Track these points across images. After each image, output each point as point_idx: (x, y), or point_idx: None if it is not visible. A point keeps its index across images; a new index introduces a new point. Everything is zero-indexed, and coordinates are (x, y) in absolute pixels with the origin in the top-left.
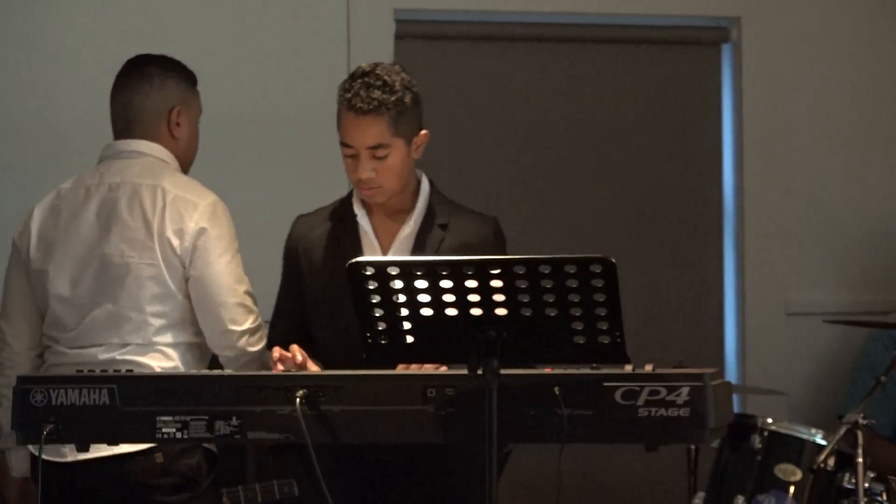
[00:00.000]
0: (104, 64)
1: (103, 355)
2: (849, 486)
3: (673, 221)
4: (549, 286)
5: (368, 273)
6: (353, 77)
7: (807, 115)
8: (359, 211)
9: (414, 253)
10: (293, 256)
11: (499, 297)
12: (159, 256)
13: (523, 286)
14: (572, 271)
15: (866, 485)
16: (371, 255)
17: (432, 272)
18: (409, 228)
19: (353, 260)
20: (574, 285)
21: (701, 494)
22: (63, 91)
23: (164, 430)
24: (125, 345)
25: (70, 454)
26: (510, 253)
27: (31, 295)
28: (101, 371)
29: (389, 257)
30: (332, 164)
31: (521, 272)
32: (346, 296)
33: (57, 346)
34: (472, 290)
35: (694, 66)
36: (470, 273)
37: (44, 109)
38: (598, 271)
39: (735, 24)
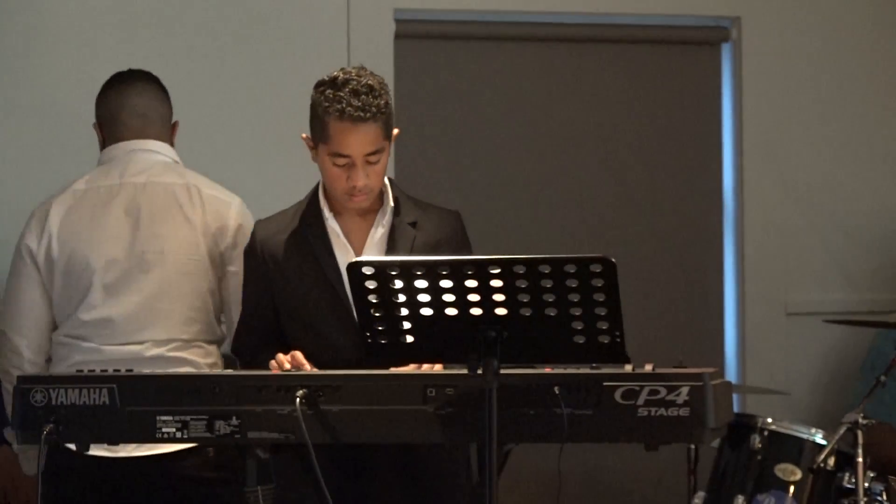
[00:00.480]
0: (104, 58)
1: (150, 351)
2: (849, 486)
3: (673, 221)
4: (548, 286)
5: (368, 273)
6: (333, 86)
7: (807, 114)
8: (327, 213)
9: (388, 253)
10: (258, 262)
11: (499, 297)
12: (204, 252)
13: (523, 286)
14: (572, 271)
15: (866, 484)
16: (343, 256)
17: (432, 272)
18: (383, 229)
19: (353, 260)
20: (574, 285)
21: (701, 494)
22: (63, 86)
23: (164, 429)
24: (170, 340)
25: (122, 449)
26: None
27: (44, 302)
28: (101, 371)
29: (389, 257)
30: None
31: (520, 272)
32: (323, 300)
33: (86, 344)
34: (472, 290)
35: (694, 66)
36: (470, 273)
37: (43, 103)
38: (597, 271)
39: (735, 24)
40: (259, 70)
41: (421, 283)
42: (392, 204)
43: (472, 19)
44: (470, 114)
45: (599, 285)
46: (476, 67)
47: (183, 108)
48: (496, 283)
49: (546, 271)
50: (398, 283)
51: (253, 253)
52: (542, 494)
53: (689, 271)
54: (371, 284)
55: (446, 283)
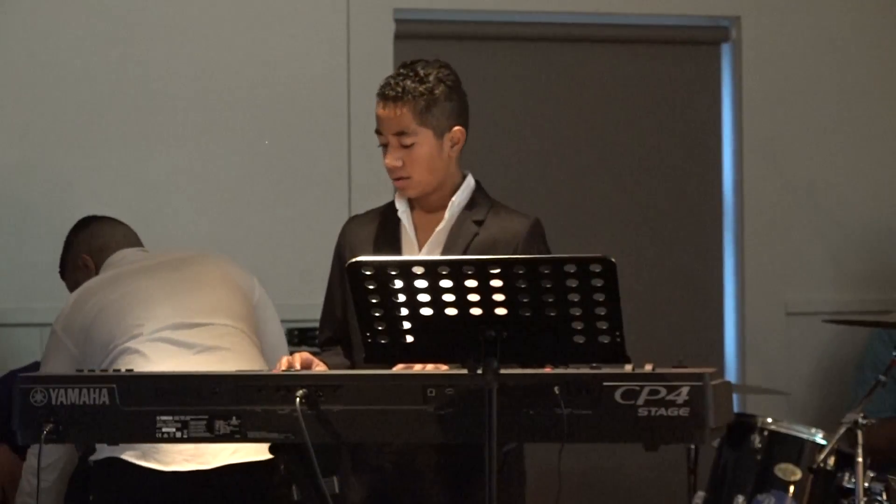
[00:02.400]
0: (108, 55)
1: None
2: (849, 486)
3: (673, 221)
4: (548, 286)
5: (368, 273)
6: (396, 70)
7: (806, 114)
8: (400, 207)
9: (445, 248)
10: (340, 256)
11: (498, 297)
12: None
13: (523, 286)
14: (572, 271)
15: (866, 484)
16: (408, 250)
17: (432, 272)
18: (444, 223)
19: (352, 260)
20: (574, 285)
21: (701, 494)
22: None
23: (163, 429)
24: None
25: (193, 461)
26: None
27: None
28: (101, 371)
29: (389, 257)
30: (332, 164)
31: (520, 272)
32: None
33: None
34: (472, 290)
35: (694, 66)
36: (470, 273)
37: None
38: (597, 271)
39: (735, 24)
40: (259, 70)
41: (421, 283)
42: (462, 201)
43: (472, 19)
44: (469, 113)
45: (599, 285)
46: (476, 67)
47: (182, 108)
48: (496, 283)
49: (546, 271)
50: (398, 283)
51: (338, 246)
52: (542, 494)
53: (689, 271)
54: (371, 284)
55: (446, 283)
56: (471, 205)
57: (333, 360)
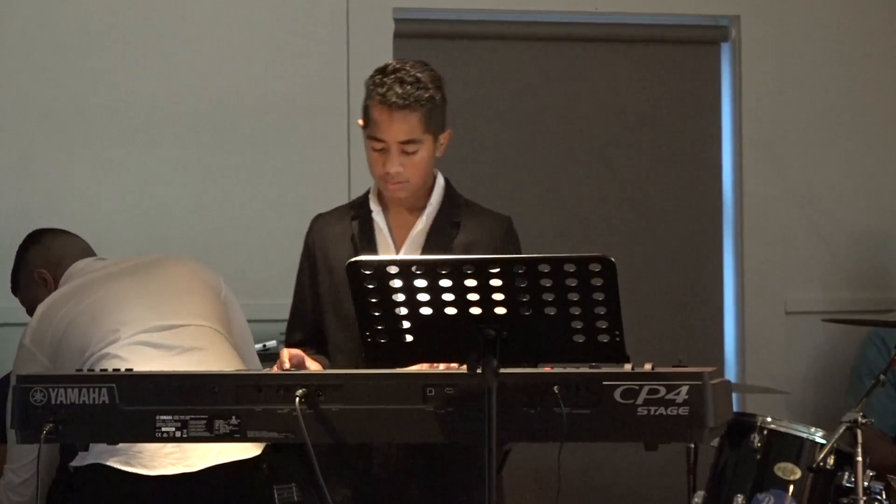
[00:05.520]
0: (108, 55)
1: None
2: (848, 485)
3: (672, 220)
4: (548, 285)
5: (367, 272)
6: (382, 73)
7: (806, 113)
8: (375, 207)
9: (425, 249)
10: (309, 255)
11: (498, 297)
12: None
13: (522, 285)
14: (572, 270)
15: (866, 483)
16: (384, 251)
17: (431, 271)
18: (422, 224)
19: (352, 259)
20: (573, 284)
21: (700, 493)
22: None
23: (163, 429)
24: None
25: (179, 464)
26: (525, 251)
27: None
28: (101, 370)
29: (388, 256)
30: (331, 163)
31: (520, 271)
32: None
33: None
34: (472, 290)
35: (693, 65)
36: (469, 272)
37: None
38: (597, 270)
39: (734, 23)
40: (258, 69)
41: (420, 283)
42: (438, 202)
43: (472, 19)
44: (469, 113)
45: (599, 284)
46: (475, 67)
47: (182, 108)
48: (496, 282)
49: (545, 270)
50: (397, 283)
51: (306, 245)
52: (541, 494)
53: (689, 271)
54: (370, 284)
55: (445, 283)
56: (445, 206)
57: (320, 360)
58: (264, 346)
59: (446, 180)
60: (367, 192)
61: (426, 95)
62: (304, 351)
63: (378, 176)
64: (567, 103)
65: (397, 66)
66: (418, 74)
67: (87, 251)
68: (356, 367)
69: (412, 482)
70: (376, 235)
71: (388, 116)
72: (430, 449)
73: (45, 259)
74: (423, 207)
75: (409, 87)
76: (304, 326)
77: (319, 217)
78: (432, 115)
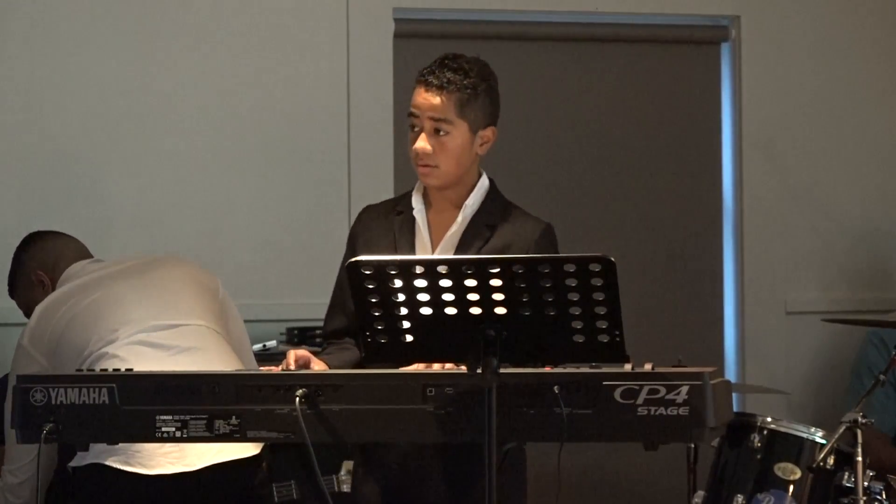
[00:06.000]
0: (106, 63)
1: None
2: (848, 485)
3: (672, 220)
4: (548, 285)
5: (367, 272)
6: (435, 60)
7: (806, 113)
8: (416, 205)
9: (458, 250)
10: (353, 245)
11: (498, 296)
12: None
13: (522, 285)
14: (572, 270)
15: (866, 483)
16: (421, 250)
17: (431, 271)
18: (457, 226)
19: (352, 259)
20: (573, 284)
21: (700, 493)
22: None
23: (163, 429)
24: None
25: (178, 463)
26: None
27: None
28: (101, 370)
29: (389, 256)
30: (331, 163)
31: (520, 271)
32: None
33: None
34: (472, 290)
35: (693, 65)
36: (469, 272)
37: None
38: (597, 270)
39: (734, 23)
40: (258, 69)
41: (420, 283)
42: (477, 202)
43: (472, 19)
44: None
45: (599, 284)
46: None
47: (182, 108)
48: (496, 282)
49: (545, 270)
50: (398, 283)
51: (351, 235)
52: (541, 494)
53: (689, 271)
54: (371, 284)
55: (446, 283)
56: (484, 207)
57: (342, 357)
58: (264, 346)
59: (491, 181)
60: (413, 188)
61: (466, 81)
62: (339, 343)
63: (412, 158)
64: (567, 103)
65: (451, 55)
66: (466, 65)
67: (83, 253)
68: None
69: (431, 479)
70: (416, 233)
71: (423, 93)
72: (447, 446)
73: (42, 261)
74: (462, 209)
75: (449, 73)
76: (344, 316)
77: (368, 208)
78: (469, 103)
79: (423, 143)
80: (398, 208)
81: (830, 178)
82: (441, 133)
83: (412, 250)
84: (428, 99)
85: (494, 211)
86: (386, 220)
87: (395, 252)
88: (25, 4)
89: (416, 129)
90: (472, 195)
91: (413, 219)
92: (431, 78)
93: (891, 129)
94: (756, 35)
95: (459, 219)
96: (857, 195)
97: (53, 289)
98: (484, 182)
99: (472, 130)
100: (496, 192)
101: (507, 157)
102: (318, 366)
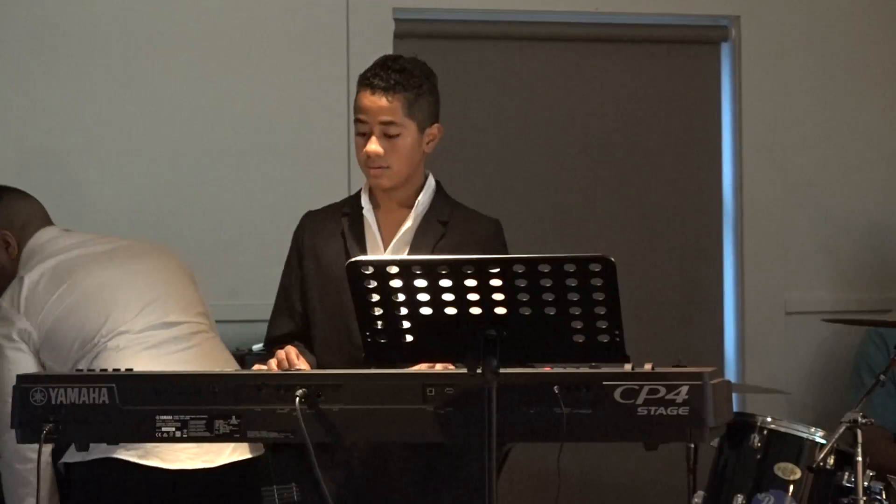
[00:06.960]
0: (108, 64)
1: None
2: (848, 485)
3: (672, 220)
4: (548, 285)
5: (367, 272)
6: (375, 63)
7: (806, 113)
8: (366, 205)
9: (412, 248)
10: (298, 251)
11: (498, 297)
12: None
13: (522, 285)
14: (572, 270)
15: (866, 483)
16: (372, 248)
17: (431, 271)
18: (410, 222)
19: (353, 259)
20: (573, 284)
21: (700, 493)
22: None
23: (163, 429)
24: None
25: (197, 458)
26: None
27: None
28: (101, 370)
29: (388, 256)
30: (331, 163)
31: (520, 271)
32: (347, 289)
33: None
34: (472, 290)
35: (693, 65)
36: (469, 272)
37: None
38: (597, 270)
39: (734, 23)
40: (258, 69)
41: (420, 283)
42: (427, 201)
43: (472, 19)
44: (469, 113)
45: (599, 284)
46: (475, 67)
47: (182, 107)
48: (496, 282)
49: (545, 271)
50: (397, 283)
51: (295, 240)
52: (541, 494)
53: (689, 271)
54: (371, 284)
55: (446, 283)
56: (434, 205)
57: (308, 358)
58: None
59: (437, 182)
60: (360, 191)
61: (410, 82)
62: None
63: (361, 161)
64: (567, 103)
65: (390, 56)
66: (407, 65)
67: (47, 218)
68: (341, 362)
69: (394, 478)
70: (366, 232)
71: (369, 97)
72: (411, 445)
73: (9, 221)
74: (413, 206)
75: (393, 73)
76: (291, 319)
77: (310, 213)
78: (416, 103)
79: (374, 147)
80: (344, 210)
81: (830, 177)
82: (392, 135)
83: (364, 250)
84: (375, 101)
85: (444, 208)
86: (332, 223)
87: (346, 253)
88: (23, 6)
89: (363, 133)
90: (422, 193)
91: (361, 219)
92: (377, 80)
93: (891, 128)
94: (756, 35)
95: (412, 217)
96: (857, 195)
97: (19, 251)
98: (431, 182)
99: (420, 129)
100: (443, 191)
101: (508, 158)
102: (303, 365)
